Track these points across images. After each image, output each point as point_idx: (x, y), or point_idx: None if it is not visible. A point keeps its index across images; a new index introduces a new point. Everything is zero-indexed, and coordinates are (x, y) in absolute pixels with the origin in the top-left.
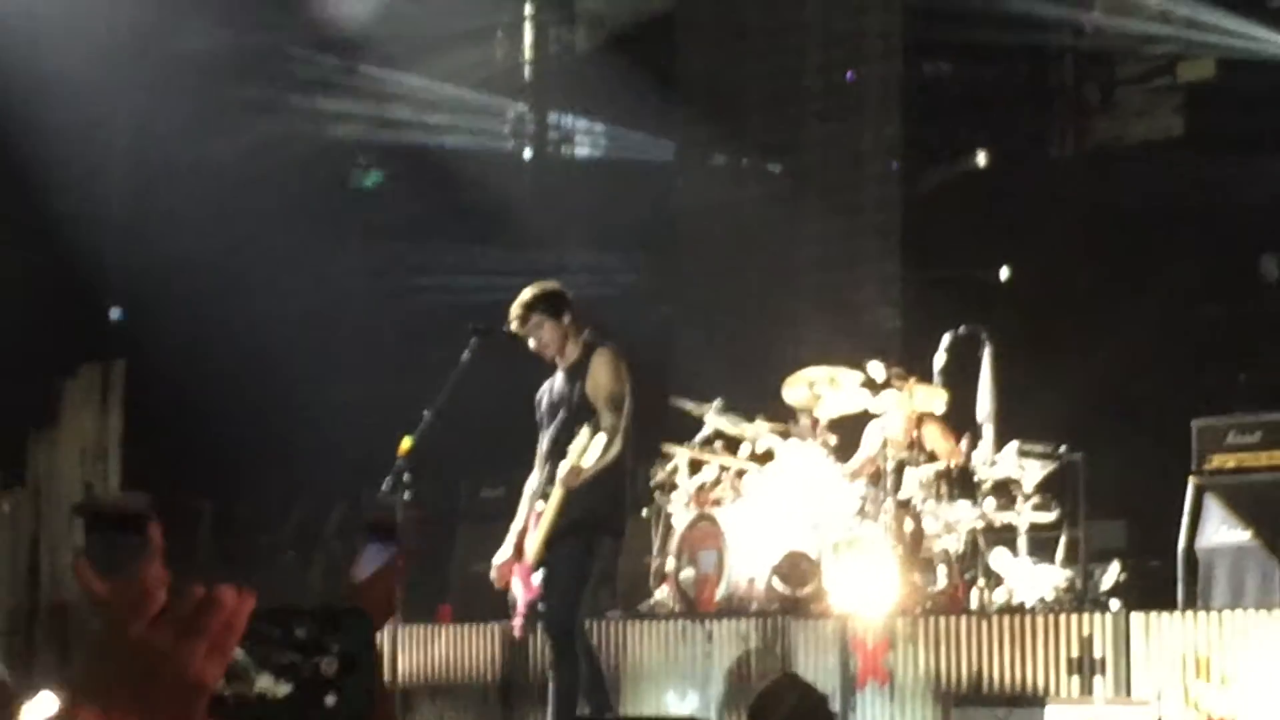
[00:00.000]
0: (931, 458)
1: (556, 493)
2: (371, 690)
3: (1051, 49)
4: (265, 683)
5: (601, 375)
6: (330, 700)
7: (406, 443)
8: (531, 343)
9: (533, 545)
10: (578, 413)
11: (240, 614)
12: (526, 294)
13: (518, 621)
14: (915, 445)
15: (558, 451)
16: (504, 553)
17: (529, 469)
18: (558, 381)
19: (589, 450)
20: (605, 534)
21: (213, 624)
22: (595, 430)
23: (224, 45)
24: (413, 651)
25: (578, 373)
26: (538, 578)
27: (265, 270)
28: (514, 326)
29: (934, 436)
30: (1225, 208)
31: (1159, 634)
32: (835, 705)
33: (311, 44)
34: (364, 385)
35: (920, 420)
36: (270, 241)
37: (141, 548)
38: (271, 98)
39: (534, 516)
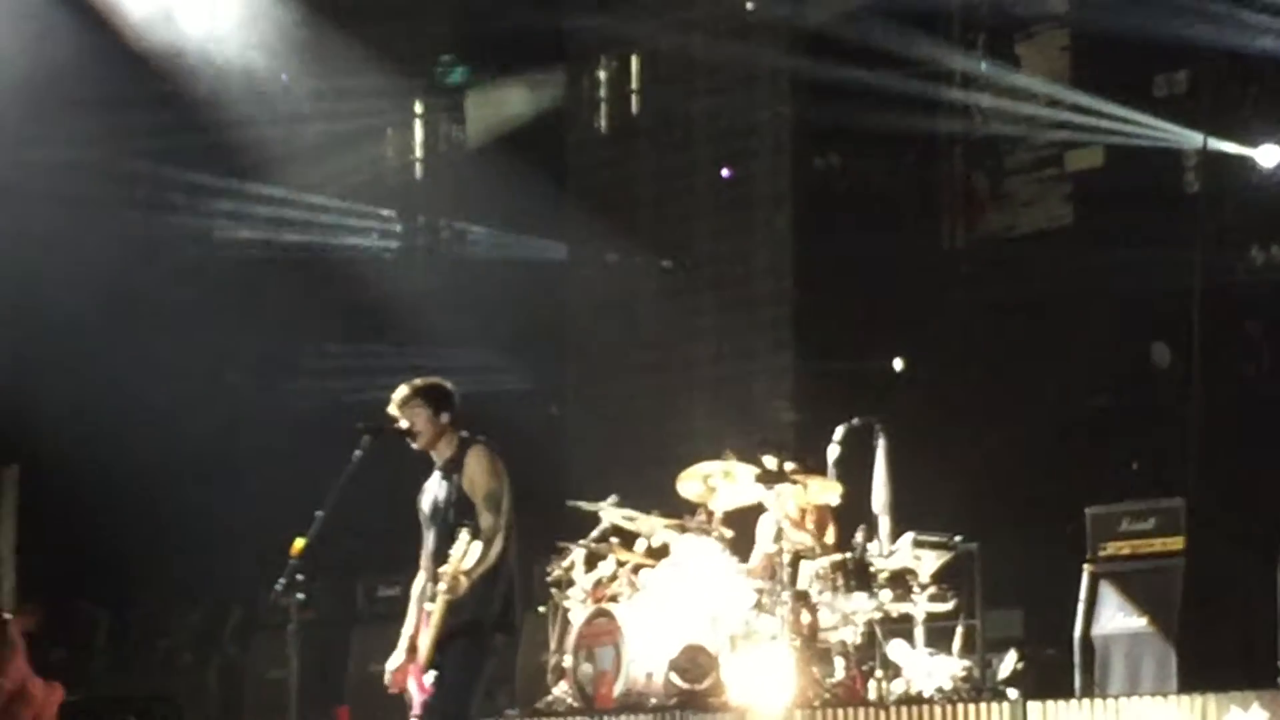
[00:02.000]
0: (826, 550)
1: (440, 601)
2: None
3: (940, 139)
4: None
5: (476, 473)
6: None
7: (299, 544)
8: (403, 423)
9: (424, 646)
10: (458, 512)
11: (50, 706)
12: (417, 381)
13: None
14: (812, 538)
15: (442, 554)
16: (397, 656)
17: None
18: (434, 481)
19: (468, 556)
20: (497, 631)
21: (23, 717)
22: (475, 533)
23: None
24: None
25: (453, 470)
26: (430, 678)
27: (157, 375)
28: (392, 406)
29: (814, 521)
30: (1116, 296)
31: None
32: None
33: (194, 153)
34: (258, 487)
35: (815, 512)
36: (161, 344)
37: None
38: (154, 200)
39: (424, 617)
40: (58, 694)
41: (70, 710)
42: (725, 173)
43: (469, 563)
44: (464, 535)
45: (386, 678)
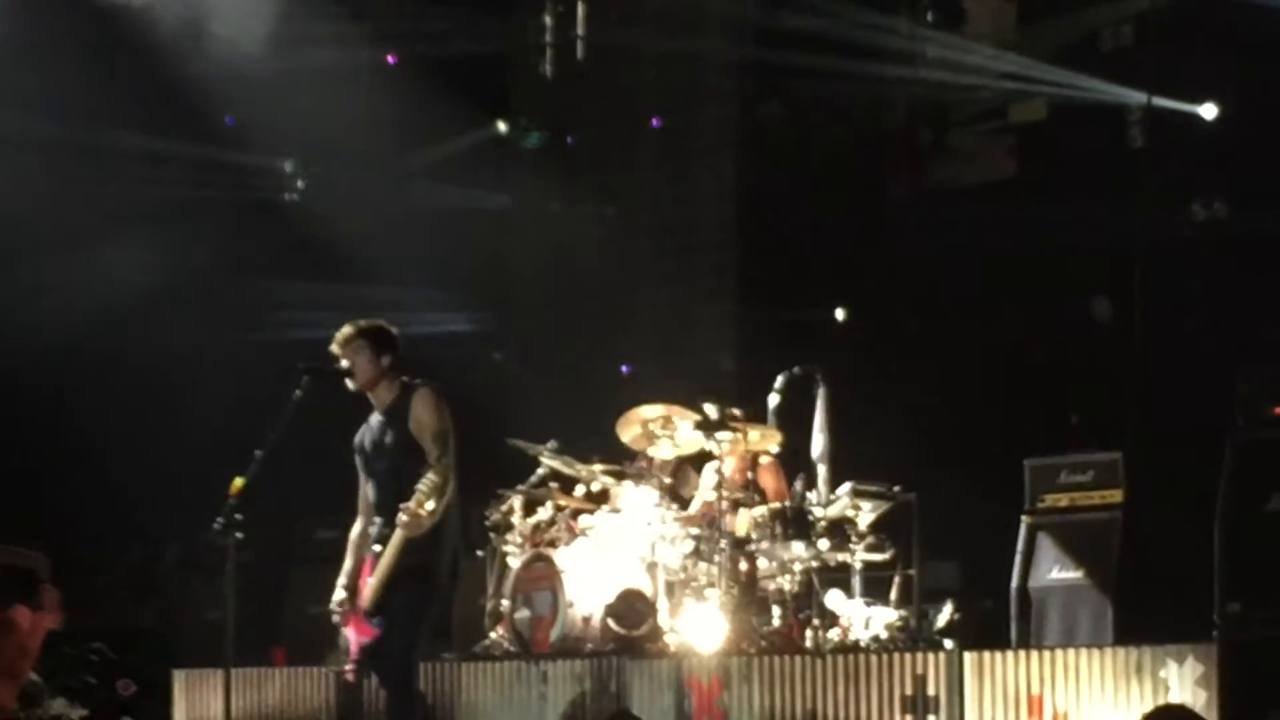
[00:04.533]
0: (765, 496)
1: (397, 538)
2: (168, 714)
3: (885, 90)
4: (59, 706)
5: (424, 414)
6: None
7: (238, 483)
8: (344, 363)
9: (369, 590)
10: (402, 456)
11: (35, 636)
12: (361, 321)
13: (351, 666)
14: (750, 485)
15: (386, 499)
16: (339, 594)
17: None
18: (374, 425)
19: (429, 498)
20: (440, 578)
21: (6, 647)
22: (440, 473)
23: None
24: (246, 694)
25: (395, 415)
26: (376, 624)
27: (94, 312)
28: (334, 345)
29: (766, 477)
30: (1058, 249)
31: (992, 673)
32: None
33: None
34: (198, 425)
35: (754, 460)
36: (99, 280)
37: None
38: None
39: (369, 561)
40: (44, 623)
41: (50, 639)
42: (655, 122)
43: (430, 505)
44: (431, 477)
45: (335, 618)
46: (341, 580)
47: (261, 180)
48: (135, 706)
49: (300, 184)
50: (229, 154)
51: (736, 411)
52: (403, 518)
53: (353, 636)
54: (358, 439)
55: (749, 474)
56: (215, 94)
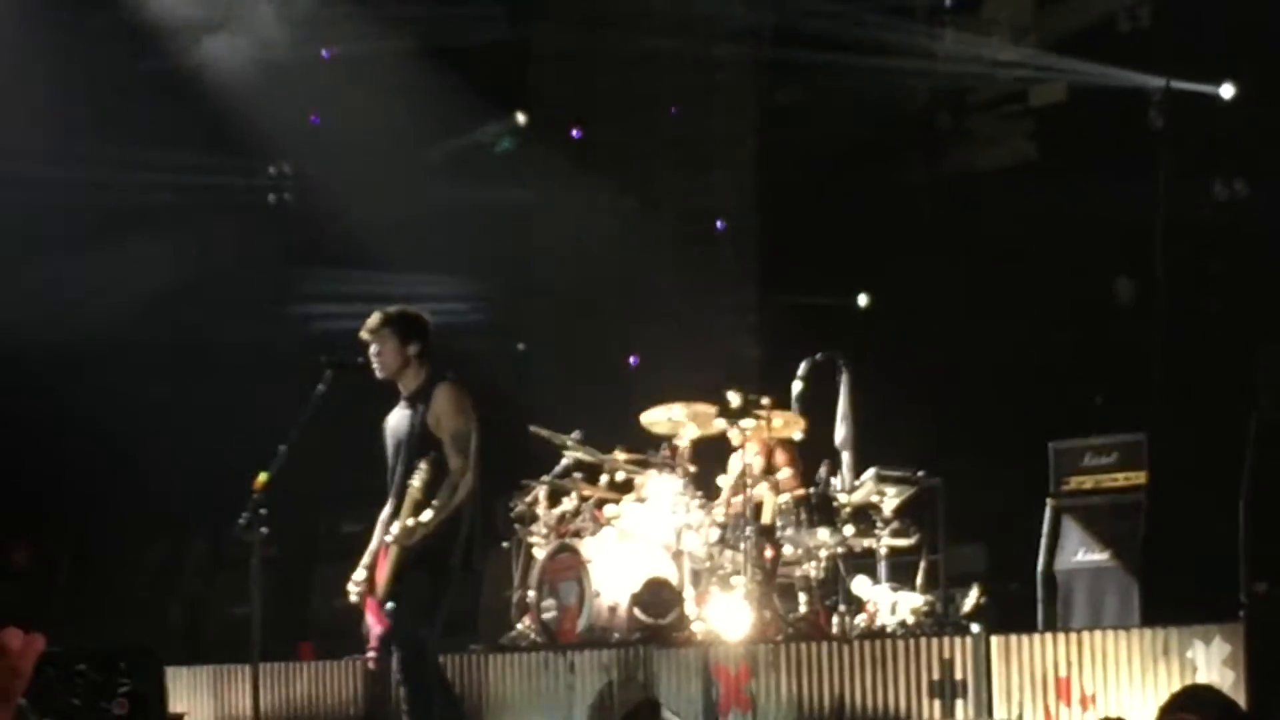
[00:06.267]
0: (777, 484)
1: (394, 549)
2: None
3: (904, 76)
4: None
5: (445, 410)
6: None
7: (262, 477)
8: (372, 349)
9: (382, 581)
10: (419, 444)
11: (27, 658)
12: (390, 309)
13: (371, 654)
14: (773, 472)
15: (404, 486)
16: (359, 574)
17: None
18: (399, 411)
19: (431, 506)
20: (454, 564)
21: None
22: (436, 466)
23: None
24: (274, 688)
25: (418, 401)
26: (388, 609)
27: (115, 305)
28: (363, 332)
29: (780, 460)
30: (1079, 231)
31: (1019, 656)
32: None
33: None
34: (221, 420)
35: (778, 447)
36: (119, 273)
37: None
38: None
39: (384, 548)
40: (36, 645)
41: (39, 660)
42: (673, 110)
43: (428, 515)
44: (423, 468)
45: (352, 595)
46: (364, 560)
47: (259, 180)
48: None
49: (289, 186)
50: (242, 148)
51: (765, 401)
52: (394, 531)
53: (372, 624)
54: (384, 424)
55: (773, 461)
56: (229, 90)
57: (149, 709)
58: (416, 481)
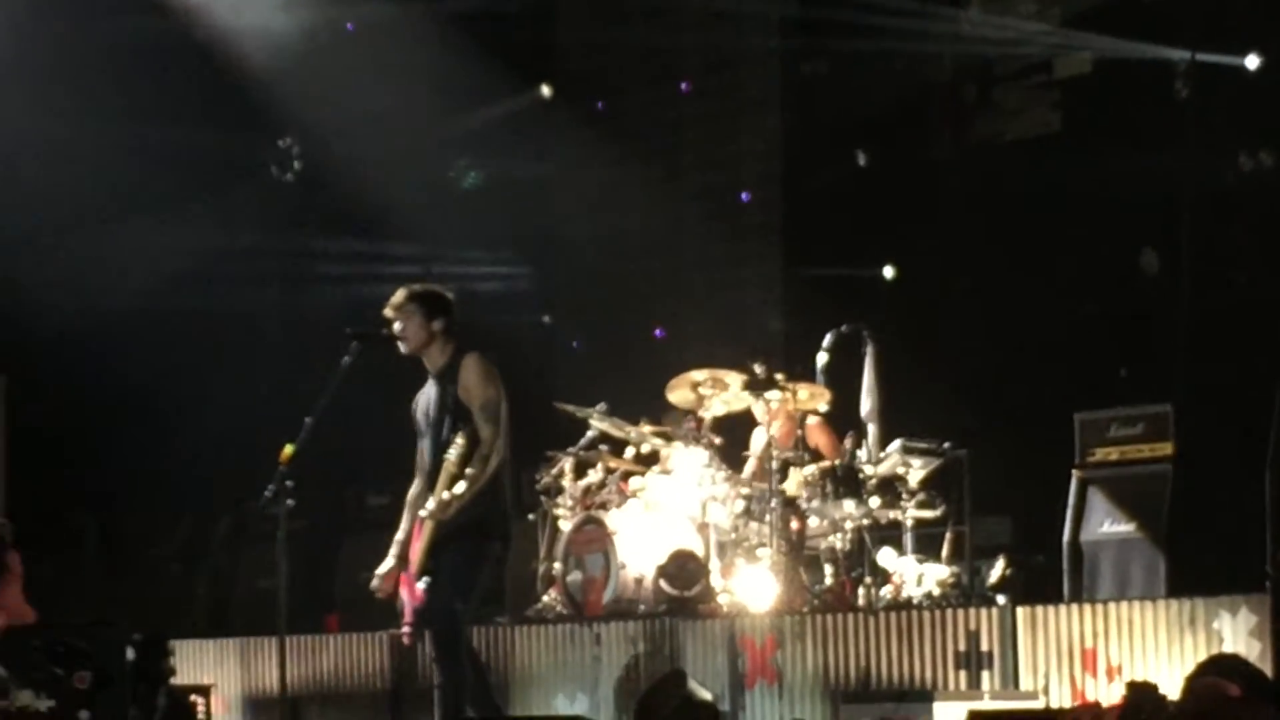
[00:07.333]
0: (816, 457)
1: (428, 524)
2: (124, 704)
3: (929, 48)
4: (26, 698)
5: (472, 381)
6: (84, 715)
7: (288, 450)
8: (397, 326)
9: (418, 556)
10: (454, 419)
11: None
12: (415, 285)
13: (406, 629)
14: (799, 444)
15: (437, 463)
16: (387, 563)
17: (414, 476)
18: (429, 388)
19: (465, 480)
20: (493, 539)
21: None
22: (471, 438)
23: None
24: (301, 661)
25: (447, 378)
26: (423, 585)
27: (146, 281)
28: (387, 308)
29: (817, 436)
30: (1104, 203)
31: (1045, 627)
32: (725, 705)
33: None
34: (247, 393)
35: (804, 419)
36: (149, 246)
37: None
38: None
39: (418, 525)
40: (14, 587)
41: (14, 633)
42: (684, 87)
43: (462, 487)
44: (459, 440)
45: (375, 583)
46: (394, 549)
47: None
48: (93, 697)
49: (296, 163)
50: (268, 122)
51: (779, 376)
52: (428, 508)
53: (407, 600)
54: (414, 402)
55: (798, 433)
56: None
57: (113, 682)
58: (452, 455)
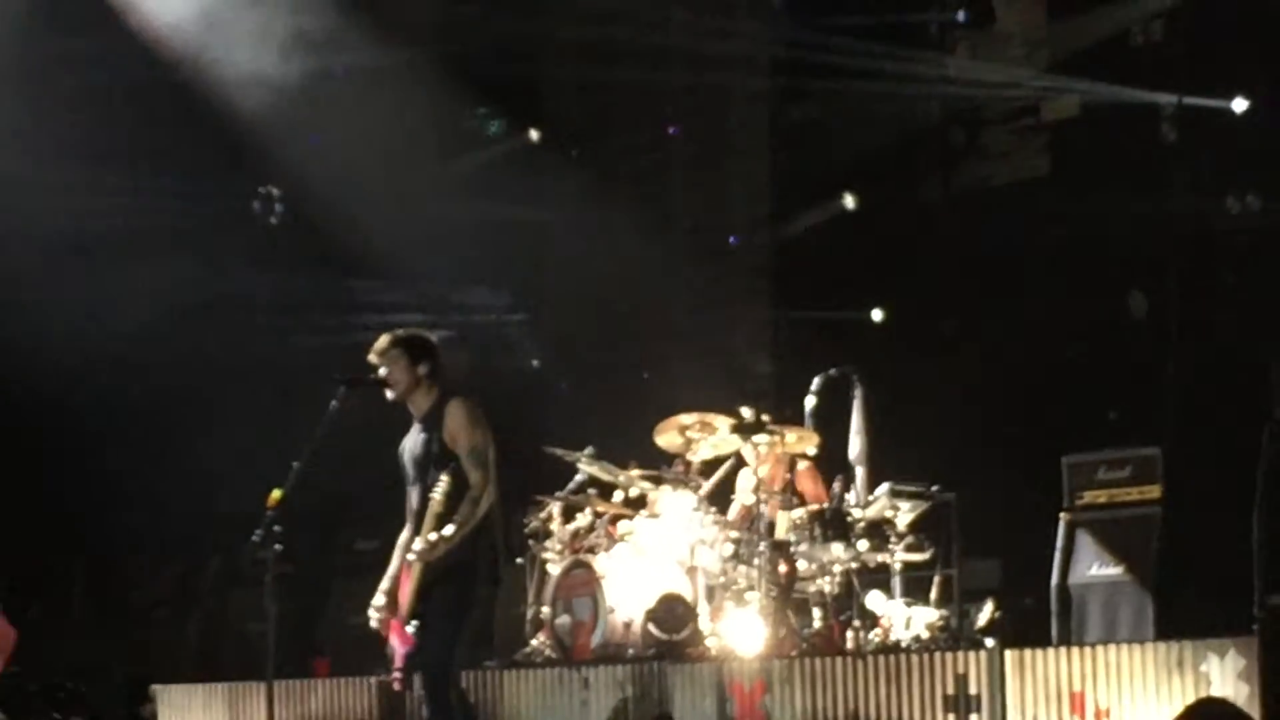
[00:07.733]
0: (804, 500)
1: (416, 566)
2: None
3: (918, 92)
4: None
5: (458, 426)
6: None
7: (276, 494)
8: (382, 372)
9: (407, 600)
10: (437, 465)
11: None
12: (398, 331)
13: (397, 675)
14: (788, 488)
15: (423, 508)
16: (378, 599)
17: (404, 521)
18: (413, 434)
19: (453, 522)
20: (482, 583)
21: None
22: (456, 479)
23: None
24: (289, 705)
25: (432, 423)
26: (412, 628)
27: (130, 324)
28: (371, 354)
29: (805, 482)
30: (1092, 246)
31: (1034, 670)
32: None
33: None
34: (236, 438)
35: (792, 463)
36: (138, 291)
37: None
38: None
39: (406, 569)
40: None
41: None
42: (672, 130)
43: (449, 529)
44: (443, 480)
45: (371, 615)
46: (383, 585)
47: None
48: None
49: (278, 206)
50: (255, 167)
51: (765, 418)
52: (415, 549)
53: (397, 645)
54: (401, 447)
55: (787, 477)
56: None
57: None
58: (438, 494)
